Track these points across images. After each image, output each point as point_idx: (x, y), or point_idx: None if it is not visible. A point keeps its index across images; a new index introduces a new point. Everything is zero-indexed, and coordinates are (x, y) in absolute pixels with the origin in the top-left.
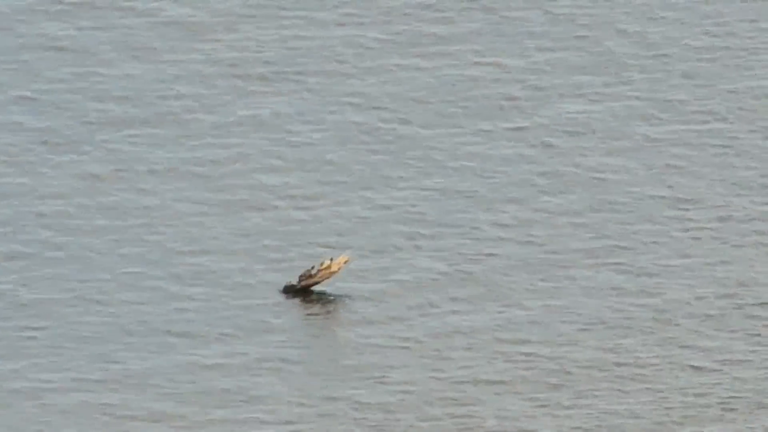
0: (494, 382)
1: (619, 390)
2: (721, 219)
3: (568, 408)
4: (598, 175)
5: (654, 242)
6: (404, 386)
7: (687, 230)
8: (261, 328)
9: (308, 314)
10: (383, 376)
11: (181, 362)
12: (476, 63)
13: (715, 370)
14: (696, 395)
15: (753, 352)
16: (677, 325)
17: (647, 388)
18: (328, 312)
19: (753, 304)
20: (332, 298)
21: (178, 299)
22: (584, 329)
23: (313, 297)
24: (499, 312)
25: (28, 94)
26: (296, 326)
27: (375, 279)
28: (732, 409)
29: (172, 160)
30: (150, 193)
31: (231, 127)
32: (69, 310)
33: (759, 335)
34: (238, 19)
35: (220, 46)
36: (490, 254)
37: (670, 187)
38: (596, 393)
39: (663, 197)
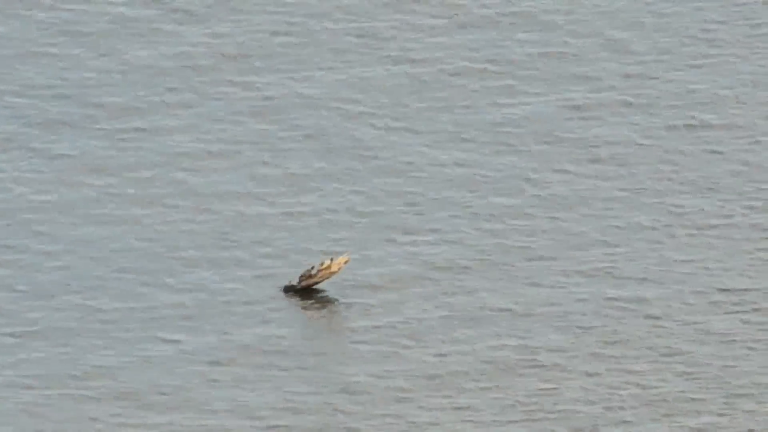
0: (489, 388)
1: (611, 394)
2: (710, 226)
3: (560, 412)
4: (583, 180)
5: (643, 248)
6: (402, 390)
7: (674, 237)
8: (260, 329)
9: (308, 314)
10: (381, 378)
11: (177, 364)
12: (425, 61)
13: (708, 376)
14: (690, 401)
15: (747, 356)
16: (668, 329)
17: (639, 394)
18: (328, 312)
19: (745, 310)
20: (332, 298)
21: (175, 300)
22: (575, 336)
23: (313, 297)
24: (499, 316)
25: None
26: (296, 326)
27: (373, 280)
28: (725, 414)
29: (156, 160)
30: (140, 192)
31: (199, 125)
32: (55, 312)
33: (753, 340)
34: (189, 17)
35: (186, 41)
36: (481, 260)
37: (658, 191)
38: (589, 398)
39: (651, 204)
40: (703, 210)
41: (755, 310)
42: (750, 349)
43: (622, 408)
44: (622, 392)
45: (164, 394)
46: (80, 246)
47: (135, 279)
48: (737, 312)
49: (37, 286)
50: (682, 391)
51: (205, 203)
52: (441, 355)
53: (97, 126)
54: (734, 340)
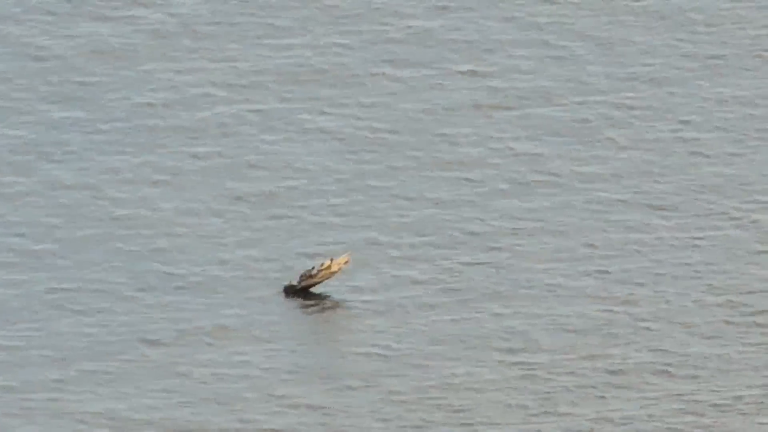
0: (486, 390)
1: (605, 397)
2: (699, 228)
3: (562, 414)
4: (568, 181)
5: (630, 249)
6: (400, 392)
7: (661, 237)
8: (261, 329)
9: (308, 314)
10: (382, 380)
11: (176, 366)
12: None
13: (698, 377)
14: (685, 402)
15: (738, 359)
16: (657, 332)
17: (639, 396)
18: (328, 313)
19: (743, 311)
20: (332, 298)
21: (174, 301)
22: (570, 336)
23: (313, 297)
24: (492, 319)
25: None
26: (296, 327)
27: (373, 281)
28: (718, 417)
29: (156, 163)
30: (137, 195)
31: (205, 129)
32: (58, 318)
33: (743, 343)
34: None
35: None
36: (477, 263)
37: (642, 193)
38: (583, 400)
39: (639, 204)
40: (687, 212)
41: (745, 312)
42: (740, 352)
43: (613, 410)
44: (613, 395)
45: (172, 392)
46: (74, 249)
47: (147, 276)
48: (727, 313)
49: (39, 292)
50: (677, 393)
51: (199, 203)
52: (439, 354)
53: (94, 128)
54: (725, 343)
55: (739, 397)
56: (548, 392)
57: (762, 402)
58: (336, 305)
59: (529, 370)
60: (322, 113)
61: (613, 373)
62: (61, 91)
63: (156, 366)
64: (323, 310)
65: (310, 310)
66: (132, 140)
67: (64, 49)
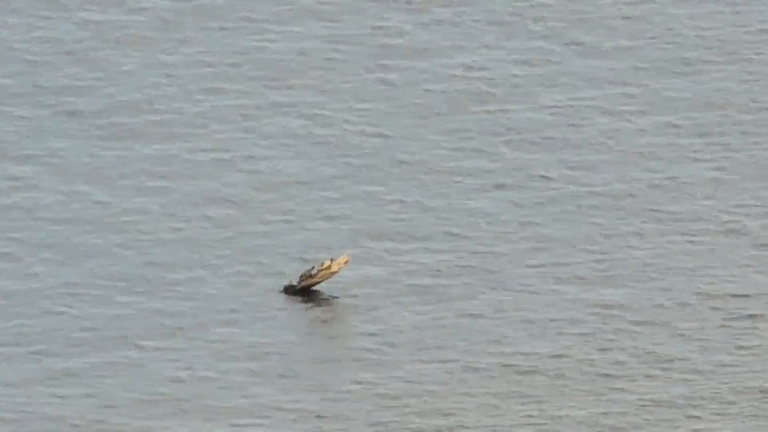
0: (478, 393)
1: (599, 400)
2: (691, 232)
3: (556, 417)
4: (557, 184)
5: (623, 252)
6: (393, 396)
7: (654, 241)
8: (260, 329)
9: (297, 317)
10: (374, 384)
11: (176, 366)
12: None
13: (693, 380)
14: (680, 405)
15: (734, 359)
16: (653, 335)
17: (634, 399)
18: (328, 313)
19: (737, 315)
20: (332, 298)
21: (174, 301)
22: (563, 339)
23: (313, 297)
24: (484, 322)
25: None
26: (285, 330)
27: (364, 283)
28: (715, 419)
29: (149, 166)
30: (137, 197)
31: (193, 130)
32: (54, 316)
33: (743, 345)
34: None
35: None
36: (469, 265)
37: (633, 195)
38: (577, 402)
39: (627, 207)
40: (679, 213)
41: (740, 315)
42: (735, 356)
43: (606, 413)
44: (607, 398)
45: (171, 393)
46: (57, 250)
47: (115, 281)
48: (721, 317)
49: (18, 291)
50: (673, 397)
51: (197, 206)
52: (431, 362)
53: (77, 128)
54: (719, 346)
55: (734, 402)
56: (541, 395)
57: (757, 405)
58: (327, 308)
59: (522, 373)
60: (311, 116)
61: (606, 376)
62: (43, 93)
63: (142, 370)
64: (312, 312)
65: (298, 313)
66: (116, 142)
67: (44, 51)
